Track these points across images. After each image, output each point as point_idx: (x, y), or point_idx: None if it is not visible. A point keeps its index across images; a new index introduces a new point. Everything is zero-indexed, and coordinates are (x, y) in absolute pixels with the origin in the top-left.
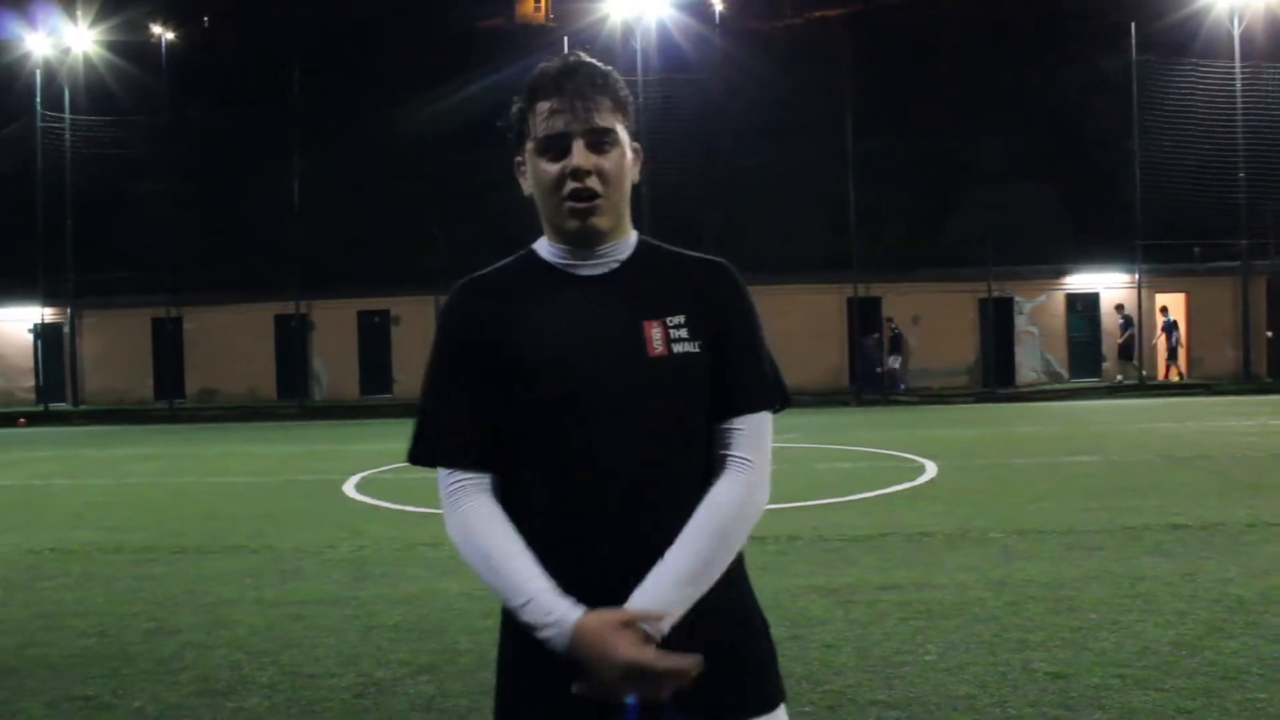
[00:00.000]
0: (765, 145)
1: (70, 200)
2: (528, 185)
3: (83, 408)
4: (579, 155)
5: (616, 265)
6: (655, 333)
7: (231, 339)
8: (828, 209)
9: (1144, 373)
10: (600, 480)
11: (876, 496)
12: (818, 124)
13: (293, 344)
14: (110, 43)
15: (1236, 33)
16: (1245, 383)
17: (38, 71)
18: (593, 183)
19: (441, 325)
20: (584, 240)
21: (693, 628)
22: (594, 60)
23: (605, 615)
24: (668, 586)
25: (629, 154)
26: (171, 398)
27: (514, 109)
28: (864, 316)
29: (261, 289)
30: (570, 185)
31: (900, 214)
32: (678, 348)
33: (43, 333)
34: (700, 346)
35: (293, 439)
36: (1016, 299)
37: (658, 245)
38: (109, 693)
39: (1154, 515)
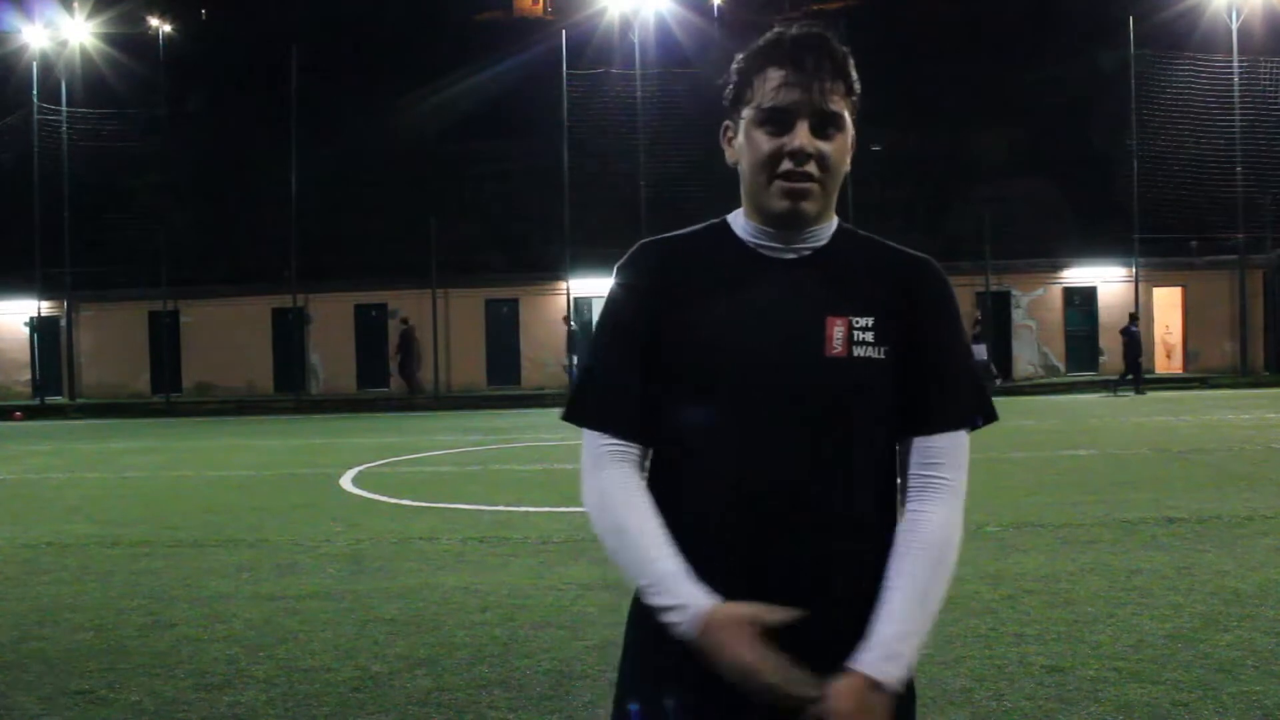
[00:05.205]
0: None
1: (67, 193)
2: (733, 153)
3: (79, 401)
4: (802, 136)
5: (810, 252)
6: (837, 331)
7: (228, 332)
8: None
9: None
10: (757, 480)
11: None
12: None
13: (290, 337)
14: (107, 35)
15: (1235, 27)
16: (1242, 376)
17: (35, 64)
18: (811, 168)
19: (618, 287)
20: (787, 224)
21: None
22: (834, 38)
23: (739, 608)
24: (899, 632)
25: (850, 142)
26: (168, 391)
27: (735, 67)
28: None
29: (258, 282)
30: (785, 165)
31: (898, 207)
32: (858, 351)
33: (39, 326)
34: (886, 353)
35: (289, 433)
36: (1014, 292)
37: (859, 234)
38: (105, 687)
39: (1150, 509)
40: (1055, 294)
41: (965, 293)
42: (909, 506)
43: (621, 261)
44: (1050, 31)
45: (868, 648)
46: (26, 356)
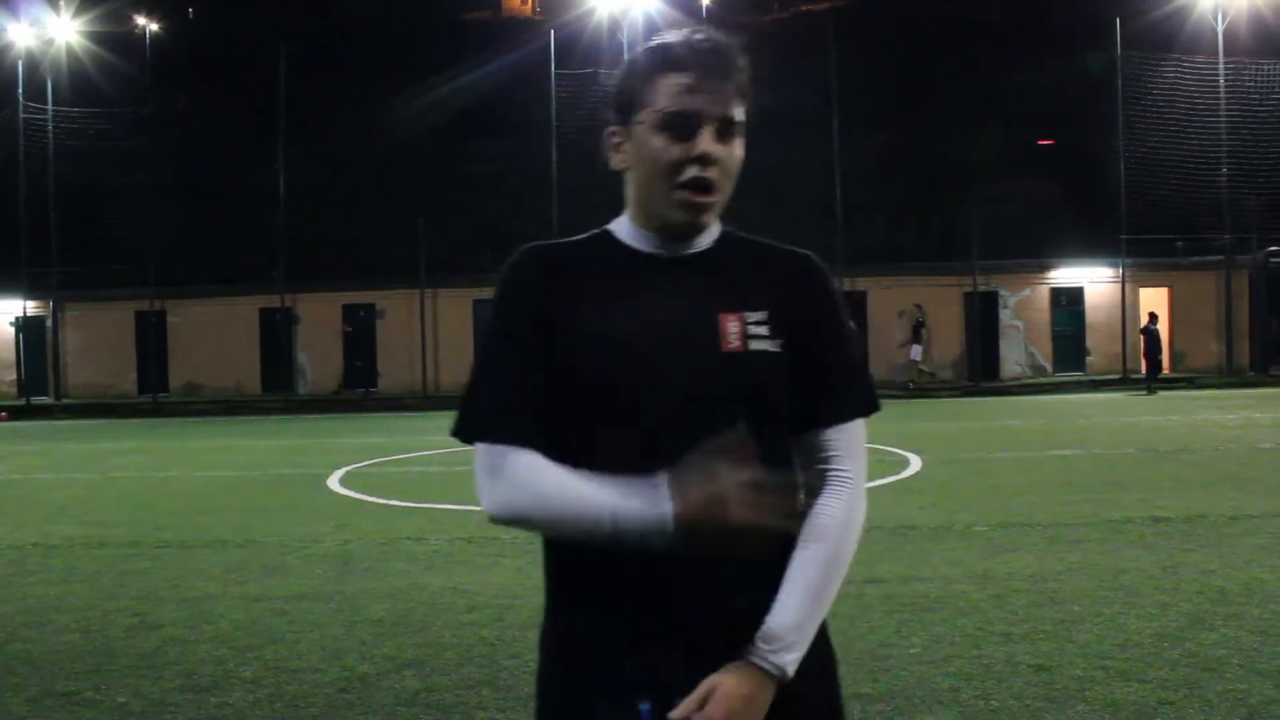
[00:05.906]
0: (752, 139)
1: (53, 192)
2: (622, 160)
3: (65, 401)
4: (708, 142)
5: (696, 254)
6: (731, 326)
7: (216, 332)
8: (814, 203)
9: None
10: None
11: None
12: (804, 118)
13: (277, 337)
14: (93, 33)
15: (1220, 29)
16: (1228, 376)
17: (20, 62)
18: (713, 173)
19: (502, 294)
20: (684, 233)
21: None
22: (735, 46)
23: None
24: (791, 624)
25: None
26: (155, 391)
27: (625, 72)
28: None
29: (246, 282)
30: (692, 172)
31: (886, 208)
32: (754, 345)
33: (25, 326)
34: (781, 346)
35: (277, 433)
36: (1002, 293)
37: (740, 235)
38: (91, 688)
39: (1137, 508)
40: (1042, 294)
41: (953, 293)
42: (814, 501)
43: (506, 266)
44: (1038, 32)
45: (763, 639)
46: (12, 356)
